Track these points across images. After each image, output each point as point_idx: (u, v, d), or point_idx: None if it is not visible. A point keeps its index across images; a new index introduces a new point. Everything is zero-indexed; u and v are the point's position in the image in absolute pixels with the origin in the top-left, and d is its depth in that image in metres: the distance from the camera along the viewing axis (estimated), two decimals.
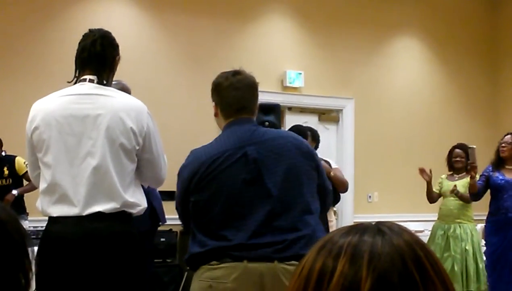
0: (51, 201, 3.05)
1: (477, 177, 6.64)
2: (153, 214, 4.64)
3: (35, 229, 6.32)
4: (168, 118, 8.10)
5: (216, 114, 3.04)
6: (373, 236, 0.89)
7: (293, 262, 2.66)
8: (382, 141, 9.56)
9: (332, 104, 9.42)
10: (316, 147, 6.29)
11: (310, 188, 2.84)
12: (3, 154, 6.75)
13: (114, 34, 8.74)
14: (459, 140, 7.56)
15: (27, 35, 7.61)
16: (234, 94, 3.00)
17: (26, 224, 6.61)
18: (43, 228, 6.25)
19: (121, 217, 2.94)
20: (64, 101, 3.04)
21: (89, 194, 2.90)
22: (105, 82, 3.05)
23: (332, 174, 5.91)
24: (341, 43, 9.40)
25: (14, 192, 6.65)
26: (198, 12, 8.50)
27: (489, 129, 10.01)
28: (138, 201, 3.01)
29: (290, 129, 6.26)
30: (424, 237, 7.36)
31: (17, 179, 6.77)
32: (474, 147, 6.64)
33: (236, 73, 3.08)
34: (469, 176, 6.63)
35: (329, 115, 9.53)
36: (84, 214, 2.90)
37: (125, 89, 4.91)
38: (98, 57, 3.07)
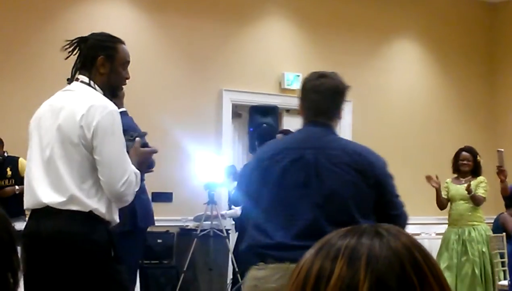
0: None
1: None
2: (133, 215, 4.64)
3: None
4: (166, 120, 8.09)
5: (299, 113, 3.07)
6: (371, 239, 0.88)
7: None
8: (379, 144, 9.51)
9: None
10: None
11: (360, 206, 2.83)
12: (6, 154, 6.74)
13: None
14: (456, 143, 7.55)
15: (26, 36, 7.59)
16: (313, 97, 3.00)
17: (24, 225, 6.59)
18: None
19: (75, 216, 2.88)
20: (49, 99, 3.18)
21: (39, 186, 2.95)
22: (87, 80, 3.09)
23: None
24: (339, 45, 9.40)
25: (17, 187, 6.66)
26: (196, 14, 8.50)
27: (486, 133, 10.02)
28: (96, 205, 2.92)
29: (281, 131, 6.28)
30: (421, 240, 7.34)
31: (20, 180, 6.77)
32: (502, 150, 6.54)
33: (321, 75, 3.09)
34: (499, 180, 6.54)
35: None
36: (32, 207, 2.98)
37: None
38: (79, 57, 3.19)
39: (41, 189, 2.95)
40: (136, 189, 3.04)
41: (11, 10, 7.59)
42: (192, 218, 7.94)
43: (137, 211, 4.65)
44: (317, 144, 2.90)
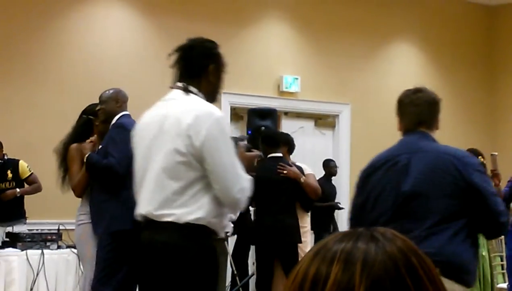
0: None
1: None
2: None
3: (31, 232, 6.30)
4: None
5: (399, 128, 3.34)
6: (367, 243, 0.88)
7: None
8: (378, 147, 9.50)
9: (329, 109, 9.43)
10: (290, 152, 6.31)
11: (445, 206, 2.93)
12: (6, 157, 6.75)
13: (110, 38, 8.78)
14: (456, 146, 7.53)
15: (25, 38, 7.60)
16: (413, 110, 3.27)
17: (24, 228, 6.60)
18: (38, 232, 6.25)
19: (176, 227, 2.94)
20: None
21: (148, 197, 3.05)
22: (192, 89, 3.09)
23: (302, 180, 5.95)
24: (338, 48, 9.41)
25: (18, 190, 6.66)
26: (195, 17, 8.50)
27: (485, 135, 10.03)
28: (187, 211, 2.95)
29: (263, 135, 6.31)
30: None
31: (21, 182, 6.78)
32: (496, 153, 6.56)
33: (417, 91, 3.39)
34: (493, 184, 6.54)
35: (325, 121, 9.54)
36: (139, 217, 3.14)
37: (121, 95, 4.97)
38: (182, 65, 3.20)
39: (145, 199, 3.03)
40: (249, 194, 3.06)
41: (10, 11, 7.59)
42: None
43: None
44: (412, 149, 3.11)
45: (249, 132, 7.12)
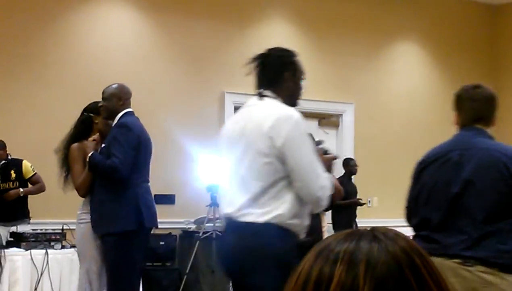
0: None
1: None
2: (139, 215, 4.64)
3: (35, 232, 6.31)
4: (169, 122, 8.10)
5: (455, 123, 3.37)
6: (369, 243, 0.88)
7: (455, 260, 2.94)
8: (382, 146, 9.57)
9: (332, 109, 9.42)
10: None
11: (496, 204, 3.00)
12: (9, 157, 6.75)
13: (113, 37, 8.77)
14: None
15: (28, 37, 7.61)
16: (471, 105, 3.31)
17: (28, 228, 6.61)
18: (42, 232, 6.25)
19: (259, 226, 3.03)
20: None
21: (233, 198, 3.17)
22: (269, 95, 3.20)
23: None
24: (341, 48, 9.40)
25: (21, 190, 6.67)
26: (197, 16, 8.51)
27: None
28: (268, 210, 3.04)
29: None
30: None
31: (24, 182, 6.78)
32: None
33: (476, 86, 3.40)
34: None
35: (329, 120, 9.53)
36: (224, 217, 3.25)
37: (124, 91, 4.91)
38: (259, 73, 3.29)
39: (230, 200, 3.14)
40: (330, 193, 3.13)
41: (12, 11, 7.60)
42: (194, 220, 7.95)
43: (142, 211, 4.64)
44: (465, 145, 3.17)
45: None
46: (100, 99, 4.88)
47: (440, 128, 10.10)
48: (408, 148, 9.75)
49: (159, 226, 7.66)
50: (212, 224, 7.35)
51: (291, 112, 3.10)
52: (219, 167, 7.55)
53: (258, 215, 3.00)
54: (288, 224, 3.03)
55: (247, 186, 3.05)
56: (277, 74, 3.24)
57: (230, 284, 7.84)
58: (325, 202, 3.09)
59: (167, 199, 8.10)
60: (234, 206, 3.09)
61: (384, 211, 9.42)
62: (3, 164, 6.67)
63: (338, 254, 0.87)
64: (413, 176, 3.32)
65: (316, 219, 5.96)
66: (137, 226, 4.63)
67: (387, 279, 0.84)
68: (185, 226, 8.03)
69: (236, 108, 8.70)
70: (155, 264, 7.61)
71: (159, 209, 7.86)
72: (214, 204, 7.34)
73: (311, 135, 3.40)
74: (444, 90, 10.20)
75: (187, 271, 7.23)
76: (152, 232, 7.37)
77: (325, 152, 3.44)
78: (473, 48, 10.51)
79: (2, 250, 5.90)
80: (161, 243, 7.67)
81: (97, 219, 4.70)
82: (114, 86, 4.88)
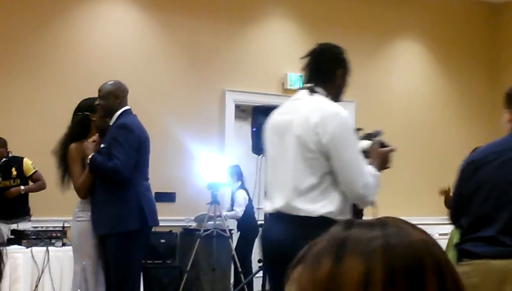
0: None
1: None
2: (142, 214, 4.63)
3: (35, 229, 6.32)
4: (170, 120, 8.10)
5: (509, 120, 3.34)
6: (385, 231, 0.85)
7: None
8: None
9: None
10: None
11: None
12: (10, 155, 6.76)
13: (114, 35, 8.76)
14: (459, 144, 7.55)
15: (28, 36, 7.61)
16: None
17: (29, 225, 6.62)
18: (43, 229, 6.27)
19: (304, 221, 3.04)
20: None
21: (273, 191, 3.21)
22: (318, 90, 3.22)
23: None
24: (342, 46, 9.36)
25: (22, 187, 6.67)
26: (199, 14, 8.51)
27: (489, 133, 9.99)
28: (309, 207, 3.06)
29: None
30: None
31: (25, 180, 6.79)
32: None
33: None
34: None
35: None
36: (270, 211, 3.22)
37: (121, 89, 4.86)
38: (311, 68, 3.32)
39: (278, 194, 3.15)
40: (377, 189, 3.14)
41: (12, 10, 7.61)
42: (194, 218, 7.96)
43: (145, 210, 4.64)
44: None
45: (254, 129, 7.12)
46: (95, 96, 4.82)
47: (440, 126, 10.11)
48: (409, 146, 9.75)
49: (159, 224, 7.69)
50: (212, 222, 7.36)
51: (338, 109, 3.11)
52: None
53: (309, 210, 3.03)
54: (337, 220, 3.08)
55: (295, 181, 3.07)
56: (330, 70, 3.28)
57: (231, 281, 7.87)
58: (369, 199, 3.11)
59: (168, 197, 8.11)
60: (281, 200, 3.10)
61: (384, 209, 9.38)
62: (4, 161, 6.68)
63: (356, 243, 0.84)
64: (464, 175, 3.20)
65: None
66: (140, 225, 4.63)
67: (403, 267, 0.81)
68: (185, 224, 8.04)
69: (237, 106, 8.72)
70: (155, 261, 7.62)
71: (160, 206, 7.86)
72: (214, 202, 7.35)
73: (363, 131, 3.39)
74: (445, 89, 10.20)
75: (188, 269, 7.23)
76: (152, 230, 7.40)
77: (382, 145, 3.39)
78: (474, 47, 10.50)
79: (4, 248, 5.90)
80: (162, 240, 7.68)
81: (99, 219, 4.68)
82: (110, 83, 4.82)
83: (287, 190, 3.09)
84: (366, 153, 3.26)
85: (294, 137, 3.08)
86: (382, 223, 0.88)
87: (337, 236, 0.87)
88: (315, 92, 3.20)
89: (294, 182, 3.07)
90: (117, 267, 4.65)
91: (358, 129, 3.54)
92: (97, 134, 4.80)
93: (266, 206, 3.25)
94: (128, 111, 4.79)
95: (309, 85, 3.24)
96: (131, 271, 4.67)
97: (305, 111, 3.10)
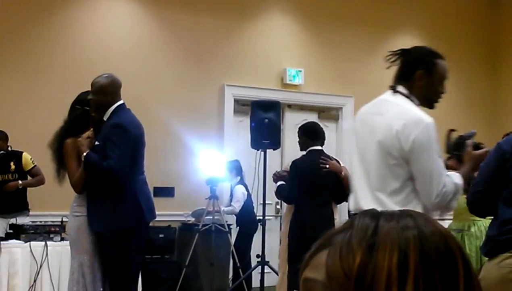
0: None
1: None
2: (139, 210, 4.60)
3: (34, 224, 6.32)
4: (168, 114, 8.10)
5: None
6: (416, 221, 0.88)
7: None
8: None
9: (332, 102, 9.42)
10: (322, 144, 6.20)
11: None
12: (10, 149, 6.75)
13: (113, 30, 8.73)
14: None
15: (27, 31, 7.60)
16: None
17: (27, 220, 6.61)
18: (42, 224, 6.26)
19: None
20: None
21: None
22: (400, 89, 3.24)
23: (343, 173, 5.87)
24: (341, 41, 9.39)
25: (20, 182, 6.66)
26: (198, 9, 8.50)
27: (488, 129, 10.01)
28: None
29: (305, 127, 6.21)
30: None
31: (23, 174, 6.78)
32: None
33: None
34: None
35: (328, 113, 9.53)
36: (354, 212, 3.24)
37: (114, 83, 4.79)
38: (398, 67, 3.31)
39: (362, 196, 3.18)
40: (457, 196, 3.14)
41: (12, 5, 7.59)
42: (192, 212, 7.96)
43: (142, 206, 4.61)
44: None
45: (253, 124, 7.11)
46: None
47: (439, 121, 10.10)
48: None
49: (158, 219, 7.67)
50: (211, 217, 7.35)
51: (422, 116, 3.12)
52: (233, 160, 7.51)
53: None
54: None
55: (380, 184, 3.12)
56: (409, 69, 3.27)
57: (230, 276, 7.87)
58: (445, 206, 3.13)
59: (167, 192, 8.10)
60: (367, 202, 3.13)
61: None
62: (2, 154, 6.66)
63: (386, 235, 0.85)
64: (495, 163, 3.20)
65: (326, 212, 5.93)
66: (137, 221, 4.60)
67: (436, 254, 0.85)
68: (184, 219, 8.04)
69: (236, 101, 8.71)
70: (154, 256, 7.62)
71: (158, 201, 7.87)
72: (213, 197, 7.34)
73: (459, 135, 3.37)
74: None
75: (186, 263, 7.23)
76: (151, 224, 7.38)
77: (476, 146, 3.37)
78: (473, 43, 10.49)
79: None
80: (160, 235, 7.68)
81: (95, 216, 4.64)
82: (103, 78, 4.74)
83: (373, 193, 3.15)
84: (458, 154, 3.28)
85: (376, 142, 3.13)
86: (409, 213, 0.90)
87: (367, 225, 0.88)
88: (397, 91, 3.23)
89: (378, 186, 3.13)
90: (115, 263, 4.64)
91: (452, 131, 3.56)
92: (91, 129, 4.72)
93: (351, 203, 3.29)
94: (122, 107, 4.70)
95: (392, 85, 3.29)
96: (129, 267, 4.65)
97: (389, 116, 3.14)
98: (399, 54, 3.32)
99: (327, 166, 5.84)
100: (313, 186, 5.83)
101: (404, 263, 0.83)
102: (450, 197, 3.08)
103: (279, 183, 6.13)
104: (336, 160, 6.05)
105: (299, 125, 6.49)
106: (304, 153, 6.06)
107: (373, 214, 0.91)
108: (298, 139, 6.15)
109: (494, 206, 3.02)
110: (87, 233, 4.69)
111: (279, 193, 6.16)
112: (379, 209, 2.84)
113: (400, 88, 3.22)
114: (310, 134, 6.04)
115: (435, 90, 3.31)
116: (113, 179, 4.52)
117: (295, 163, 6.02)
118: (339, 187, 5.90)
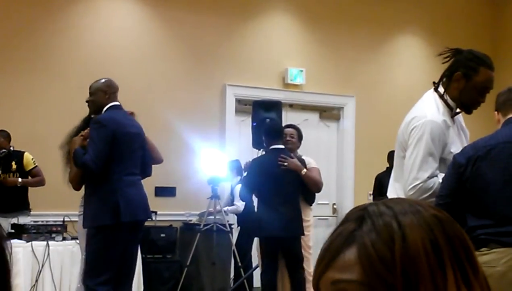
0: None
1: None
2: (115, 210, 4.64)
3: (36, 223, 6.32)
4: (170, 114, 8.10)
5: (497, 121, 3.35)
6: (418, 204, 0.89)
7: None
8: (383, 139, 9.55)
9: (334, 102, 9.42)
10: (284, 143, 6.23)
11: None
12: (12, 149, 6.76)
13: (115, 31, 8.76)
14: None
15: (30, 32, 7.60)
16: None
17: (29, 219, 6.62)
18: (43, 223, 6.27)
19: None
20: None
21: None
22: (438, 89, 3.33)
23: (302, 172, 5.91)
24: (343, 40, 9.39)
25: (20, 179, 6.66)
26: (200, 9, 8.50)
27: (490, 129, 10.00)
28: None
29: (266, 127, 6.28)
30: None
31: (24, 174, 6.78)
32: None
33: None
34: None
35: (330, 113, 9.53)
36: None
37: (111, 85, 4.92)
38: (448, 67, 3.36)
39: (389, 189, 3.39)
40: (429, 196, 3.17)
41: (15, 7, 7.60)
42: (195, 212, 7.96)
43: (120, 206, 4.63)
44: None
45: (254, 124, 7.12)
46: None
47: None
48: None
49: (159, 218, 7.68)
50: (212, 217, 7.36)
51: (427, 113, 3.19)
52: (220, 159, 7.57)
53: None
54: None
55: (396, 175, 3.29)
56: (451, 70, 3.31)
57: (231, 276, 7.88)
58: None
59: (168, 191, 8.11)
60: (389, 193, 3.36)
61: None
62: (4, 153, 6.66)
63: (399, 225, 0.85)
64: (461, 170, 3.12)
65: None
66: (113, 220, 4.64)
67: (456, 234, 0.86)
68: (186, 218, 8.04)
69: (238, 101, 8.71)
70: (155, 256, 7.62)
71: (160, 201, 7.90)
72: (215, 197, 7.34)
73: None
74: None
75: (188, 263, 7.24)
76: (152, 224, 7.40)
77: None
78: (474, 42, 10.47)
79: (8, 241, 5.91)
80: (162, 235, 7.68)
81: (84, 214, 4.82)
82: (101, 81, 4.94)
83: (393, 183, 3.36)
84: None
85: (398, 136, 3.31)
86: (404, 200, 0.90)
87: (385, 215, 0.86)
88: (436, 90, 3.32)
89: (395, 176, 3.30)
90: (87, 258, 4.75)
91: None
92: (88, 129, 4.84)
93: None
94: (114, 107, 4.87)
95: (436, 81, 3.38)
96: (105, 265, 4.68)
97: (409, 113, 3.29)
98: (452, 53, 3.35)
99: (285, 164, 5.86)
100: (272, 183, 5.85)
101: (436, 246, 0.83)
102: (425, 196, 3.11)
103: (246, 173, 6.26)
104: (301, 159, 6.06)
105: (294, 124, 6.57)
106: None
107: (382, 204, 0.89)
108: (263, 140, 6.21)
109: (461, 216, 2.98)
110: (84, 231, 4.89)
111: (242, 183, 6.32)
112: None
113: (440, 86, 3.30)
114: (271, 134, 6.09)
115: (470, 96, 3.31)
116: (88, 171, 4.67)
117: (254, 160, 6.13)
118: (302, 186, 5.94)
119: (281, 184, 5.85)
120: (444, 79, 3.32)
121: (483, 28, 10.57)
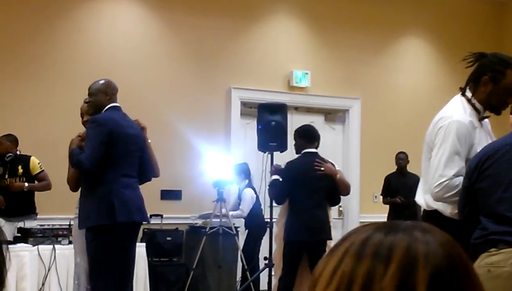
0: None
1: None
2: (110, 210, 4.63)
3: (42, 227, 6.34)
4: (175, 118, 8.11)
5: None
6: (423, 234, 0.85)
7: None
8: (388, 142, 9.55)
9: (339, 104, 9.42)
10: (317, 147, 6.21)
11: None
12: (18, 153, 6.77)
13: (120, 34, 8.76)
14: None
15: (35, 36, 7.62)
16: None
17: (35, 223, 6.63)
18: (49, 227, 6.28)
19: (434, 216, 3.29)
20: None
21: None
22: (466, 93, 3.39)
23: (338, 176, 5.89)
24: (348, 43, 9.39)
25: (26, 184, 6.66)
26: (204, 12, 8.51)
27: (495, 130, 9.98)
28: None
29: (301, 129, 6.21)
30: None
31: (31, 178, 6.79)
32: None
33: None
34: None
35: (335, 115, 9.52)
36: None
37: (110, 86, 4.91)
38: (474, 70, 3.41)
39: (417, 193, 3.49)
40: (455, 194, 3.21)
41: (19, 11, 7.62)
42: (200, 214, 7.96)
43: (115, 206, 4.62)
44: None
45: (259, 127, 7.11)
46: None
47: None
48: (414, 143, 9.72)
49: (165, 222, 7.68)
50: (218, 220, 7.35)
51: (453, 114, 3.26)
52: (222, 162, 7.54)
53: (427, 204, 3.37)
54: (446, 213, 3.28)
55: (424, 178, 3.37)
56: (477, 74, 3.36)
57: (237, 279, 7.87)
58: (448, 198, 3.20)
59: (174, 195, 8.11)
60: (417, 197, 3.44)
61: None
62: (10, 157, 6.67)
63: (391, 248, 0.83)
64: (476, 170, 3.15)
65: (320, 215, 5.92)
66: (109, 221, 4.62)
67: (443, 271, 0.82)
68: (191, 222, 8.04)
69: (243, 104, 8.71)
70: (162, 259, 7.63)
71: (166, 204, 7.91)
72: (220, 200, 7.34)
73: None
74: (450, 86, 10.15)
75: (194, 266, 7.24)
76: (158, 227, 7.41)
77: None
78: (479, 44, 10.45)
79: (7, 246, 5.91)
80: (168, 238, 7.68)
81: (79, 215, 4.80)
82: (100, 82, 4.92)
83: (421, 187, 3.43)
84: None
85: (426, 137, 3.39)
86: (419, 226, 0.88)
87: (369, 240, 0.86)
88: (463, 94, 3.37)
89: (423, 180, 3.37)
90: (90, 262, 4.73)
91: None
92: (85, 130, 4.85)
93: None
94: (113, 108, 4.85)
95: (467, 89, 3.41)
96: (103, 267, 4.66)
97: (437, 115, 3.36)
98: (476, 57, 3.39)
99: (322, 169, 5.83)
100: (307, 187, 5.82)
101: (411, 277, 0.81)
102: (451, 193, 3.16)
103: (274, 177, 6.13)
104: (331, 163, 6.04)
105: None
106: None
107: (385, 225, 0.88)
108: (294, 142, 6.15)
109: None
110: (81, 235, 4.82)
111: (271, 187, 6.15)
112: (422, 201, 2.94)
113: (467, 91, 3.33)
114: (305, 137, 6.05)
115: (499, 98, 3.35)
116: (82, 170, 4.67)
117: (289, 164, 6.04)
118: (333, 189, 5.92)
119: (316, 188, 5.84)
120: (471, 84, 3.36)
121: (487, 30, 10.56)
